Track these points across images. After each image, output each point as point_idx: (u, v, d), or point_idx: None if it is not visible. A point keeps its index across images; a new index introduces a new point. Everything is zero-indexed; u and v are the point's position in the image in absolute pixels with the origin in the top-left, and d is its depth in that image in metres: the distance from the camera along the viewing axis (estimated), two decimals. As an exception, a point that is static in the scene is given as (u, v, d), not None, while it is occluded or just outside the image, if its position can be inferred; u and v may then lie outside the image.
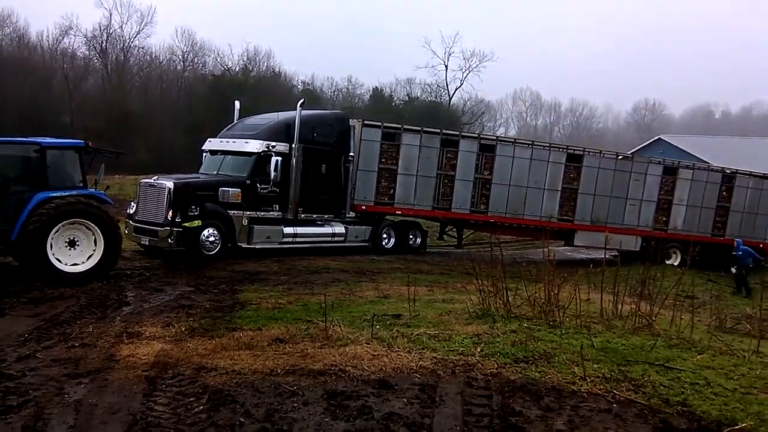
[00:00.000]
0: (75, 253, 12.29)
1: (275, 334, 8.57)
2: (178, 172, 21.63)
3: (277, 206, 17.71)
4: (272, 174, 17.17)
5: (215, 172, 17.79)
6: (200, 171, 18.66)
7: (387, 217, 20.42)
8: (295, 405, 6.09)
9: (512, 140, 23.59)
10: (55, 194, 12.05)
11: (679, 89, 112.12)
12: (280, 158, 17.35)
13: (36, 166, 12.27)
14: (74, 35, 58.69)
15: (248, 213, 16.98)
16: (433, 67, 72.29)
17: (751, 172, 25.14)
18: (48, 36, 58.64)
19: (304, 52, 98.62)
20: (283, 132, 18.10)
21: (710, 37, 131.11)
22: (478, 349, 7.89)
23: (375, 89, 67.97)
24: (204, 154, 19.20)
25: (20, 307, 10.32)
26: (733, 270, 20.92)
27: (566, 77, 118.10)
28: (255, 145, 17.51)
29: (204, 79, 60.92)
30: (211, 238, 15.84)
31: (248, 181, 17.07)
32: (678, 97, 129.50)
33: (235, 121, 20.07)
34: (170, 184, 15.83)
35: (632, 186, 22.83)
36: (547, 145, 23.33)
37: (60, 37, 58.43)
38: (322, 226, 18.89)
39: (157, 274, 14.02)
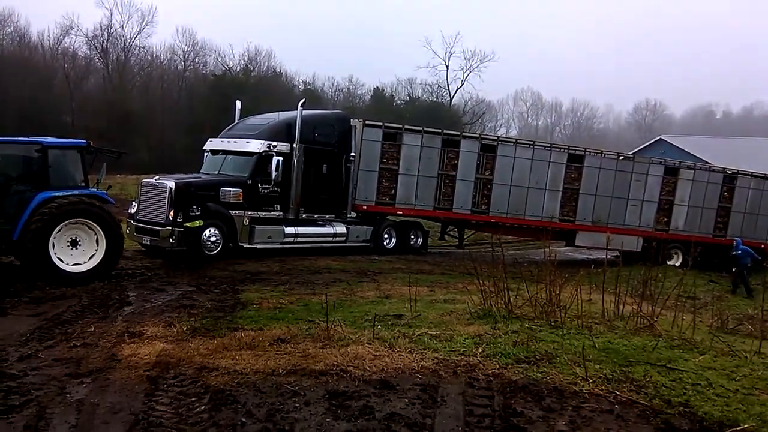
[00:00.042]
0: (77, 253, 12.29)
1: (277, 334, 8.57)
2: (179, 171, 21.62)
3: (278, 206, 17.72)
4: (273, 174, 17.18)
5: (216, 172, 17.79)
6: (201, 171, 18.66)
7: (388, 217, 20.42)
8: (297, 405, 6.09)
9: (513, 140, 23.58)
10: (57, 194, 12.05)
11: (680, 89, 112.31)
12: (281, 158, 17.36)
13: (38, 165, 12.28)
14: (75, 35, 58.77)
15: (249, 213, 16.98)
16: (434, 67, 72.30)
17: (752, 172, 25.12)
18: (49, 35, 58.75)
19: (304, 52, 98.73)
20: (284, 132, 18.11)
21: (711, 37, 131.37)
22: (480, 350, 7.88)
23: (376, 89, 68.02)
24: (205, 153, 19.20)
25: (22, 306, 10.33)
26: (735, 270, 20.90)
27: (567, 77, 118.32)
28: (256, 145, 17.52)
29: (205, 79, 60.92)
30: (213, 238, 15.84)
31: (249, 181, 17.08)
32: (679, 97, 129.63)
33: (236, 121, 20.09)
34: (171, 184, 15.83)
35: (633, 186, 22.82)
36: (549, 145, 23.32)
37: (61, 37, 58.52)
38: (323, 226, 18.89)
39: (158, 273, 14.02)
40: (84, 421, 5.75)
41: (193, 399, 6.26)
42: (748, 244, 21.81)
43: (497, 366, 7.33)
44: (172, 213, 15.40)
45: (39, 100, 48.43)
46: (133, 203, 17.08)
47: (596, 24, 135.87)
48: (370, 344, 8.05)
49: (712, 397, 6.59)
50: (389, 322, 9.38)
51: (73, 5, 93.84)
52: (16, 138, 13.20)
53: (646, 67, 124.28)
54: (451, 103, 69.55)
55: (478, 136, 23.16)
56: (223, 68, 61.76)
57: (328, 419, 5.81)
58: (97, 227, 12.31)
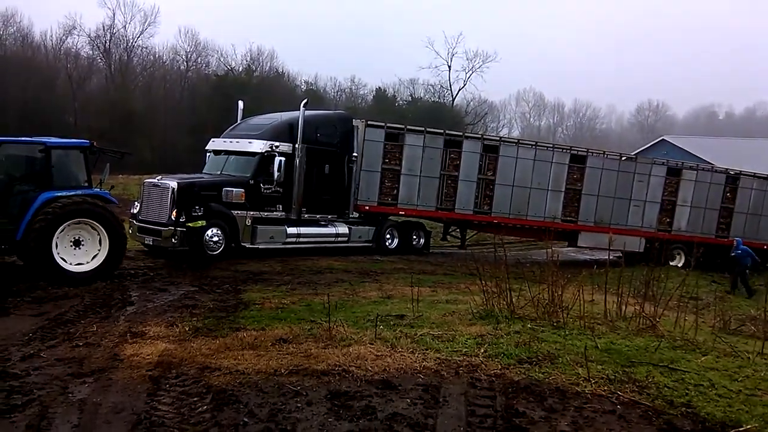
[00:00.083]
0: (80, 253, 12.30)
1: (279, 334, 8.57)
2: (182, 172, 21.64)
3: (280, 206, 17.72)
4: (276, 174, 17.19)
5: (219, 172, 17.80)
6: (204, 171, 18.67)
7: (390, 217, 20.42)
8: (299, 405, 6.10)
9: (515, 141, 23.57)
10: (60, 194, 12.07)
11: (681, 90, 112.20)
12: (283, 158, 17.37)
13: (41, 165, 12.30)
14: (78, 35, 58.77)
15: (252, 213, 16.98)
16: (436, 67, 72.09)
17: (754, 173, 25.10)
18: (51, 36, 58.76)
19: (307, 53, 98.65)
20: (286, 132, 18.11)
21: (711, 38, 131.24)
22: (482, 350, 7.88)
23: (378, 89, 67.96)
24: (207, 154, 19.22)
25: (24, 306, 10.35)
26: (736, 270, 20.85)
27: (567, 77, 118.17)
28: (258, 145, 17.53)
29: (207, 79, 60.91)
30: (215, 238, 15.85)
31: (252, 181, 17.09)
32: (681, 98, 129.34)
33: (239, 121, 20.12)
34: (174, 184, 15.85)
35: (636, 187, 22.81)
36: (551, 145, 23.36)
37: (63, 37, 58.53)
38: (325, 226, 18.89)
39: (160, 273, 14.04)
40: (86, 420, 5.75)
41: (195, 399, 6.26)
42: (750, 245, 21.76)
43: (499, 366, 7.32)
44: (174, 213, 15.41)
45: (42, 100, 48.48)
46: (136, 203, 17.11)
47: (596, 24, 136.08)
48: (372, 344, 8.05)
49: (714, 398, 6.58)
50: (391, 323, 9.38)
51: (75, 5, 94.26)
52: (19, 138, 13.23)
53: (646, 67, 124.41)
54: (453, 103, 69.55)
55: (480, 136, 23.19)
56: (226, 68, 61.79)
57: (330, 419, 5.81)
58: (100, 227, 12.33)
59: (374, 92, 68.26)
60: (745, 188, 24.48)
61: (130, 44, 60.63)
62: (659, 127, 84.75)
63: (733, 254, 20.75)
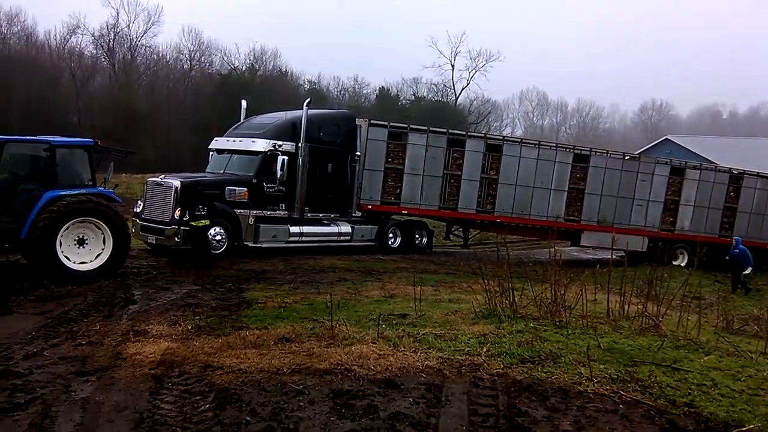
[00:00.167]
0: (84, 252, 12.33)
1: (281, 333, 8.58)
2: (185, 171, 21.70)
3: (283, 205, 17.74)
4: (279, 173, 17.20)
5: (222, 171, 17.82)
6: (207, 170, 18.70)
7: (393, 216, 20.42)
8: (301, 404, 6.10)
9: (519, 140, 23.55)
10: (64, 192, 12.10)
11: (686, 89, 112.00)
12: (286, 157, 17.39)
13: (45, 164, 12.32)
14: (82, 34, 58.99)
15: (255, 212, 17.01)
16: (439, 66, 72.17)
17: (758, 172, 25.02)
18: (56, 35, 59.01)
19: (310, 52, 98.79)
20: (289, 131, 18.12)
21: (712, 38, 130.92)
22: (484, 349, 7.88)
23: (381, 89, 68.05)
24: (210, 153, 19.25)
25: (27, 304, 10.37)
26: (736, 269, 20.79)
27: (571, 78, 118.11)
28: (261, 145, 17.54)
29: (211, 79, 61.05)
30: (218, 237, 15.87)
31: (255, 180, 17.11)
32: (685, 97, 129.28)
33: (242, 120, 20.14)
34: (177, 183, 15.88)
35: (639, 186, 22.76)
36: (554, 145, 23.33)
37: (67, 36, 58.76)
38: (328, 225, 18.90)
39: (163, 272, 14.06)
40: (89, 419, 5.77)
41: (197, 397, 6.27)
42: (754, 245, 21.71)
43: (502, 365, 7.32)
44: (177, 212, 15.44)
45: (45, 99, 48.64)
46: (139, 202, 17.14)
47: (596, 24, 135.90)
48: (375, 343, 8.05)
49: (717, 398, 6.57)
50: (394, 322, 9.39)
51: (79, 4, 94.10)
52: (24, 137, 13.26)
53: (647, 67, 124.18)
54: (456, 102, 69.59)
55: (483, 135, 23.15)
56: (229, 68, 61.95)
57: (332, 418, 5.81)
58: (105, 226, 12.35)
59: (377, 91, 68.40)
60: (748, 188, 24.41)
61: (133, 43, 60.92)
62: (663, 127, 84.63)
63: (731, 254, 20.68)
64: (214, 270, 14.42)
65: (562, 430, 5.73)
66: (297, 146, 17.88)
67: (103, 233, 12.41)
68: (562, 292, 9.86)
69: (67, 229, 11.98)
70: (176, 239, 15.39)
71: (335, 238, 18.95)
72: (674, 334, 9.13)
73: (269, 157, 17.36)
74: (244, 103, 21.09)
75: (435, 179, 20.27)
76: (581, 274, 10.99)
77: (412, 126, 20.68)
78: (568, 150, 22.91)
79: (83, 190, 12.46)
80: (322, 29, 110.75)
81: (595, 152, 23.10)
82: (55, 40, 58.77)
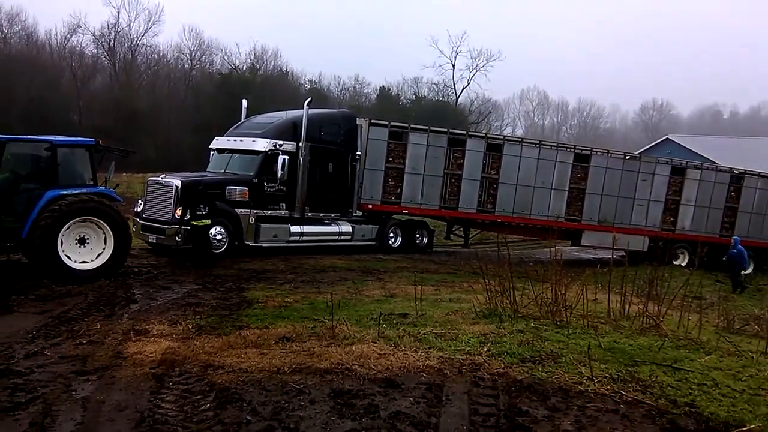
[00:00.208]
0: (85, 251, 12.34)
1: (282, 333, 8.59)
2: (186, 170, 21.70)
3: (284, 205, 17.74)
4: (279, 173, 17.20)
5: (222, 171, 17.82)
6: (207, 169, 18.71)
7: (394, 216, 20.41)
8: (302, 403, 6.10)
9: (519, 140, 23.54)
10: (66, 192, 12.11)
11: (687, 89, 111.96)
12: (287, 157, 17.39)
13: (47, 164, 12.33)
14: (82, 33, 59.02)
15: (255, 211, 17.01)
16: (440, 66, 72.25)
17: (759, 172, 25.01)
18: (56, 34, 59.00)
19: (310, 52, 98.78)
20: (290, 131, 18.12)
21: (714, 37, 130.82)
22: (485, 349, 7.88)
23: (382, 88, 68.04)
24: (211, 152, 19.25)
25: (28, 304, 10.37)
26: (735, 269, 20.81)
27: (573, 77, 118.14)
28: (262, 144, 17.55)
29: (211, 78, 61.05)
30: (218, 236, 15.88)
31: (255, 180, 17.11)
32: (686, 97, 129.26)
33: (243, 120, 20.13)
34: (177, 183, 15.89)
35: (640, 186, 22.75)
36: (555, 144, 23.33)
37: (68, 36, 58.77)
38: (328, 224, 18.90)
39: (164, 272, 14.07)
40: (90, 418, 5.77)
41: (198, 397, 6.28)
42: (755, 245, 21.70)
43: (502, 365, 7.31)
44: (178, 211, 15.44)
45: (46, 98, 48.62)
46: (140, 201, 17.15)
47: (596, 24, 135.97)
48: (375, 343, 8.05)
49: (718, 398, 6.56)
50: (394, 321, 9.39)
51: (80, 4, 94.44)
52: (25, 136, 13.27)
53: (647, 67, 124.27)
54: (457, 102, 69.58)
55: (484, 135, 23.15)
56: (230, 67, 61.95)
57: (333, 418, 5.81)
58: (106, 225, 12.36)
59: (378, 91, 68.39)
60: (749, 187, 24.39)
61: (134, 43, 60.94)
62: (663, 127, 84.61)
63: (727, 256, 20.66)
64: (215, 269, 14.42)
65: (563, 430, 5.72)
66: (298, 146, 17.88)
67: (104, 233, 12.42)
68: (563, 291, 9.85)
69: (68, 228, 11.98)
70: (177, 239, 15.40)
71: (336, 237, 18.95)
72: (675, 334, 9.13)
73: (270, 156, 17.36)
74: (244, 102, 21.09)
75: (436, 179, 20.27)
76: (582, 274, 10.99)
77: (412, 125, 20.68)
78: (568, 150, 22.91)
79: (84, 190, 12.48)
80: (322, 29, 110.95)
81: (596, 152, 23.09)
82: (56, 39, 58.89)
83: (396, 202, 19.99)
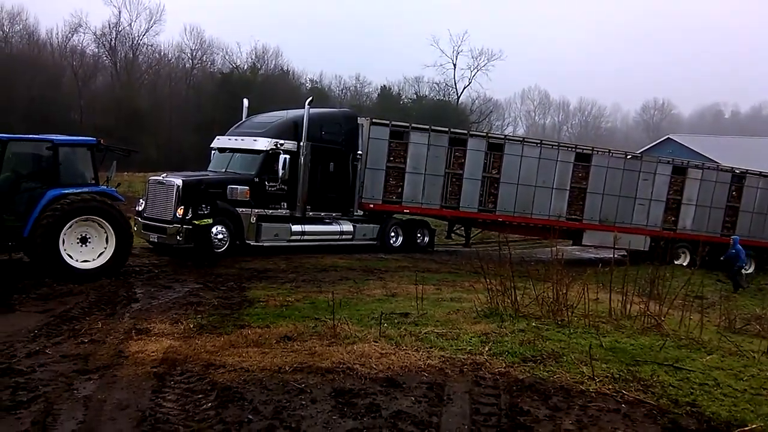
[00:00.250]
0: (86, 250, 12.36)
1: (283, 332, 8.59)
2: (187, 169, 21.72)
3: (285, 204, 17.75)
4: (280, 172, 17.21)
5: (224, 170, 17.84)
6: (209, 169, 18.72)
7: (395, 215, 20.41)
8: (303, 402, 6.10)
9: (521, 139, 23.55)
10: (67, 191, 12.12)
11: (687, 89, 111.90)
12: (288, 156, 17.39)
13: (48, 163, 12.34)
14: (83, 33, 59.08)
15: (256, 211, 17.02)
16: (441, 65, 72.85)
17: (760, 172, 24.99)
18: (57, 33, 59.03)
19: (311, 51, 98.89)
20: (291, 130, 18.13)
21: (714, 37, 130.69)
22: (486, 348, 7.87)
23: (383, 88, 68.06)
24: (212, 151, 19.28)
25: (30, 303, 10.39)
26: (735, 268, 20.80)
27: (574, 77, 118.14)
28: (263, 143, 17.55)
29: (212, 77, 61.05)
30: (220, 236, 15.90)
31: (256, 179, 17.12)
32: (687, 96, 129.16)
33: (244, 119, 20.13)
34: (179, 182, 15.90)
35: (641, 186, 22.74)
36: (556, 144, 23.31)
37: (69, 35, 58.80)
38: (330, 224, 18.91)
39: (165, 271, 14.08)
40: (91, 417, 5.77)
41: (199, 396, 6.28)
42: (756, 244, 21.63)
43: (504, 364, 7.31)
44: (180, 210, 15.46)
45: (47, 97, 48.64)
46: (141, 201, 17.16)
47: (596, 24, 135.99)
48: (377, 342, 8.05)
49: (719, 397, 6.56)
50: (396, 321, 9.38)
51: (81, 3, 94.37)
52: (27, 136, 13.28)
53: (647, 67, 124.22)
54: (458, 101, 69.57)
55: (485, 134, 23.14)
56: (231, 66, 61.95)
57: (334, 417, 5.81)
58: (107, 225, 12.37)
59: (379, 90, 68.40)
60: (750, 187, 24.37)
61: (135, 42, 60.97)
62: (665, 126, 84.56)
63: (724, 257, 20.65)
64: (216, 268, 14.43)
65: (564, 430, 5.72)
66: (299, 145, 17.89)
67: (105, 232, 12.43)
68: (564, 291, 9.84)
69: (69, 227, 12.00)
70: (178, 238, 15.41)
71: (337, 236, 18.95)
72: (676, 334, 9.12)
73: (271, 155, 17.36)
74: (245, 101, 21.09)
75: (437, 178, 20.27)
76: (583, 274, 10.97)
77: (413, 125, 20.69)
78: (570, 149, 22.90)
79: (86, 189, 12.50)
80: (323, 28, 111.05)
81: (597, 151, 23.10)
82: (57, 38, 58.91)
83: (397, 201, 19.99)
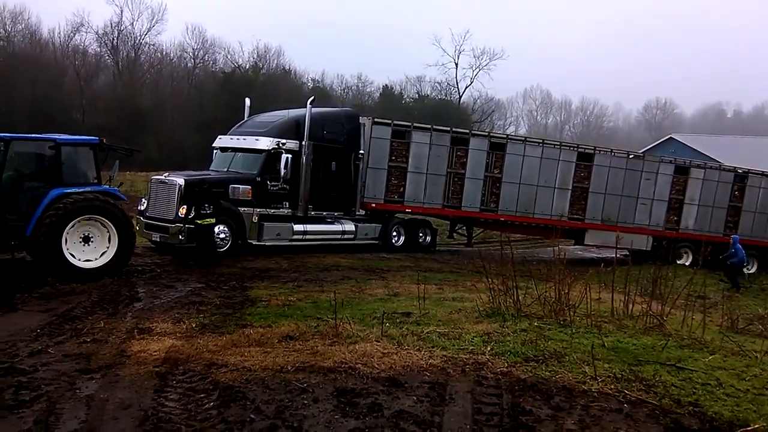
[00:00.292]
0: (89, 249, 12.36)
1: (285, 331, 8.59)
2: (189, 169, 21.74)
3: (287, 203, 17.76)
4: (282, 171, 17.22)
5: (225, 169, 17.85)
6: (210, 168, 18.74)
7: (397, 215, 20.41)
8: (306, 402, 6.10)
9: (522, 139, 23.55)
10: (70, 190, 12.13)
11: (687, 89, 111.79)
12: (290, 155, 17.40)
13: (51, 162, 12.35)
14: (86, 32, 59.04)
15: (258, 210, 17.04)
16: (443, 65, 72.60)
17: (763, 171, 24.93)
18: (60, 33, 59.03)
19: (313, 51, 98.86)
20: (293, 129, 18.14)
21: (715, 37, 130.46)
22: (489, 348, 7.87)
23: (385, 87, 67.99)
24: (214, 151, 19.28)
25: (32, 302, 10.39)
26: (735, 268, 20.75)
27: (575, 77, 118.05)
28: (265, 143, 17.56)
29: (214, 77, 61.02)
30: (222, 235, 15.91)
31: (258, 179, 17.12)
32: (689, 96, 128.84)
33: (246, 119, 20.14)
34: (181, 181, 15.91)
35: (643, 185, 22.70)
36: (558, 143, 23.27)
37: (71, 34, 58.80)
38: (331, 223, 18.91)
39: (167, 270, 14.08)
40: (93, 416, 5.78)
41: (201, 395, 6.28)
42: (758, 244, 21.56)
43: (506, 364, 7.31)
44: (182, 210, 15.47)
45: (49, 97, 48.69)
46: (143, 200, 17.18)
47: (596, 24, 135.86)
48: (379, 342, 8.05)
49: (722, 397, 6.55)
50: (398, 320, 9.38)
51: (83, 2, 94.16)
52: (29, 135, 13.29)
53: (647, 67, 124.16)
54: (460, 101, 69.48)
55: (487, 134, 23.14)
56: (233, 66, 61.93)
57: (336, 416, 5.81)
58: (110, 224, 12.39)
59: (381, 90, 68.35)
60: (753, 187, 24.31)
61: (137, 41, 60.92)
62: (667, 125, 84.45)
63: (723, 256, 20.61)
64: (218, 268, 14.44)
65: (567, 429, 5.72)
66: (300, 144, 17.90)
67: (108, 231, 12.44)
68: (567, 291, 9.84)
69: (72, 226, 12.01)
70: (180, 237, 15.43)
71: (339, 236, 18.95)
72: (679, 334, 9.12)
73: (273, 155, 17.37)
74: (247, 101, 21.09)
75: (438, 178, 20.26)
76: (585, 273, 10.99)
77: (415, 124, 20.68)
78: (572, 149, 22.86)
79: (88, 188, 12.51)
80: (325, 28, 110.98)
81: (599, 151, 23.07)
82: (59, 38, 58.89)
83: (399, 200, 19.99)
